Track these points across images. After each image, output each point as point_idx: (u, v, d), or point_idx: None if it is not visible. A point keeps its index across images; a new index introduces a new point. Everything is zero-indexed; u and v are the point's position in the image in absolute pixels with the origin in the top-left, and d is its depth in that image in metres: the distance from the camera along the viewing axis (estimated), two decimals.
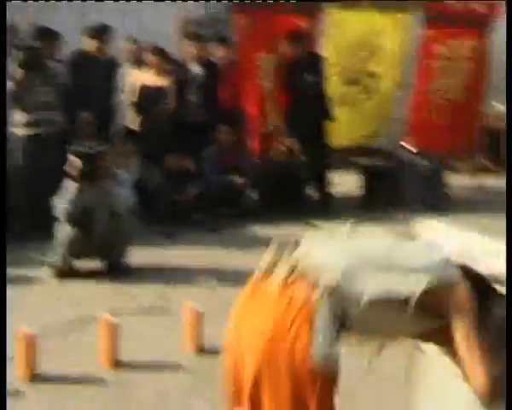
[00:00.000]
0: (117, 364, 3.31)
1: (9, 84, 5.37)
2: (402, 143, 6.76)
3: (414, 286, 1.76)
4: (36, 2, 7.68)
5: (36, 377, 3.22)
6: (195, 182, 6.04)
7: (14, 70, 5.42)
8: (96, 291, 4.69)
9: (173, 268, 4.99)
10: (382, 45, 6.95)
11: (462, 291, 1.76)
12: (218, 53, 6.35)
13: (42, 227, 5.24)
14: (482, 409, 1.75)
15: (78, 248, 4.79)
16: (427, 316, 1.79)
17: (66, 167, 4.80)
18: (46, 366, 3.28)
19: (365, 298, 1.71)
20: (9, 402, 2.69)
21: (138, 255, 4.98)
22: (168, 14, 7.24)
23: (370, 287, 1.74)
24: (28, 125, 5.43)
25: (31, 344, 3.17)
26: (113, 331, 3.29)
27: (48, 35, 5.78)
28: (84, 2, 7.82)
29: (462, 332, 1.72)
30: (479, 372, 1.72)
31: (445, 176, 6.66)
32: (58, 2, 7.69)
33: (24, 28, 6.77)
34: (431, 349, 2.01)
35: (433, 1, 7.08)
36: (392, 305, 1.74)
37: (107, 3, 7.72)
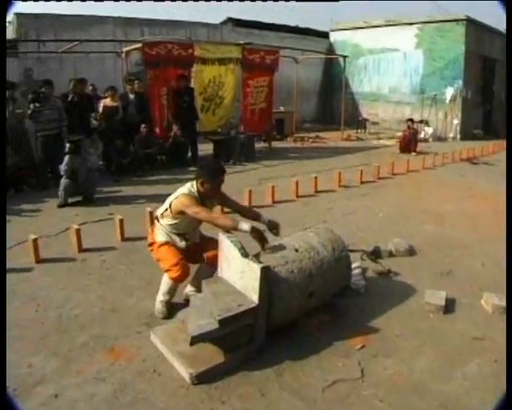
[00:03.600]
0: (80, 249, 4.56)
1: (29, 111, 7.23)
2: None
3: None
4: (42, 68, 10.00)
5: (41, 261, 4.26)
6: (131, 153, 8.48)
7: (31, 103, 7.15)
8: (77, 212, 6.06)
9: (118, 197, 6.64)
10: (224, 81, 10.21)
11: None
12: (141, 88, 9.13)
13: (54, 181, 6.90)
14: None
15: (69, 191, 6.35)
16: None
17: (65, 148, 6.43)
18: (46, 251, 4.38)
19: None
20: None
21: (101, 191, 6.84)
22: (117, 68, 9.81)
23: None
24: (42, 130, 7.29)
25: (36, 240, 4.22)
26: (79, 232, 4.63)
27: (48, 83, 7.57)
28: (67, 67, 10.24)
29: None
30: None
31: (254, 143, 10.27)
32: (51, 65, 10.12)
33: (37, 78, 9.18)
34: None
35: (248, 55, 10.10)
36: None
37: (81, 66, 10.42)
